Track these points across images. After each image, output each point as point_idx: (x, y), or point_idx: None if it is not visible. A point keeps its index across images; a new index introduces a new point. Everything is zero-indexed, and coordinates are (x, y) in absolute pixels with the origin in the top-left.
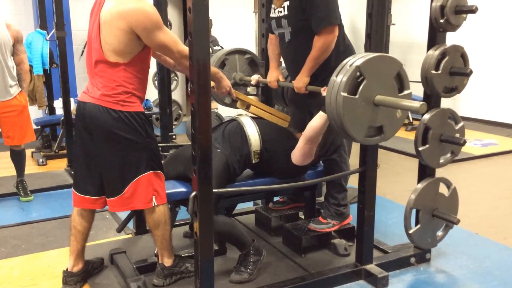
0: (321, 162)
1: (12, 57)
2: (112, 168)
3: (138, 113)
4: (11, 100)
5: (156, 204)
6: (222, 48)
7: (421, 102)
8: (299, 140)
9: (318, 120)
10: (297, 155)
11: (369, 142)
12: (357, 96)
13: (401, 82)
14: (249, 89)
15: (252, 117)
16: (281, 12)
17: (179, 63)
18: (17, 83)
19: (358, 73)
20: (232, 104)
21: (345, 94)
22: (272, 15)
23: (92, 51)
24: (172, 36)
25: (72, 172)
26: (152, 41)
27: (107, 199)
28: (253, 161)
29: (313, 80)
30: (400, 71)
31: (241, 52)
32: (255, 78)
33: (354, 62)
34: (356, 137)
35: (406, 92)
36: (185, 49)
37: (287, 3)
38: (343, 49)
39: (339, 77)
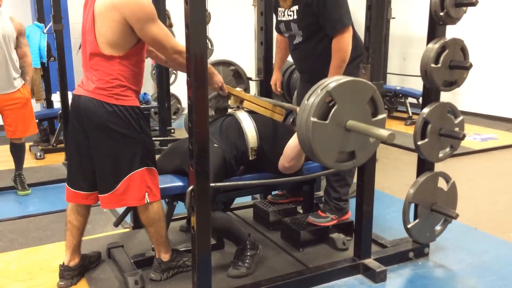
0: None
1: (15, 50)
2: (105, 163)
3: (133, 107)
4: (15, 92)
5: (148, 201)
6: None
7: (390, 132)
8: (281, 159)
9: (295, 140)
10: (282, 170)
11: (340, 167)
12: (327, 121)
13: (375, 106)
14: (230, 101)
15: (249, 113)
16: (290, 16)
17: (171, 58)
18: (21, 76)
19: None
20: (212, 116)
21: (315, 120)
22: (280, 18)
23: (87, 43)
24: (166, 30)
25: None
26: (145, 33)
27: (99, 195)
28: (250, 158)
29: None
30: (374, 95)
31: (226, 63)
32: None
33: (325, 86)
34: (326, 162)
35: (380, 116)
36: (178, 44)
37: (296, 7)
38: (354, 45)
39: (310, 101)
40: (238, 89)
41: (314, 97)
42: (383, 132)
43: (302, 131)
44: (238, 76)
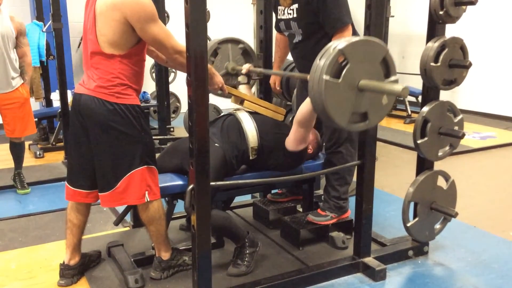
0: (320, 154)
1: (15, 49)
2: (105, 161)
3: (133, 105)
4: (13, 92)
5: (149, 199)
6: None
7: (404, 86)
8: (292, 127)
9: (307, 104)
10: (290, 140)
11: (352, 128)
12: (340, 80)
13: (387, 67)
14: (240, 78)
15: (250, 112)
16: (290, 14)
17: (172, 58)
18: (19, 75)
19: (342, 57)
20: (224, 95)
21: (328, 78)
22: (280, 16)
23: (88, 42)
24: (166, 30)
25: None
26: (145, 33)
27: (99, 194)
28: (251, 157)
29: None
30: (386, 56)
31: (235, 41)
32: (245, 67)
33: (337, 46)
34: (339, 122)
35: (392, 78)
36: (179, 44)
37: (296, 6)
38: None
39: (322, 61)
40: (246, 65)
41: (326, 57)
42: (397, 87)
43: (315, 91)
44: (247, 55)
